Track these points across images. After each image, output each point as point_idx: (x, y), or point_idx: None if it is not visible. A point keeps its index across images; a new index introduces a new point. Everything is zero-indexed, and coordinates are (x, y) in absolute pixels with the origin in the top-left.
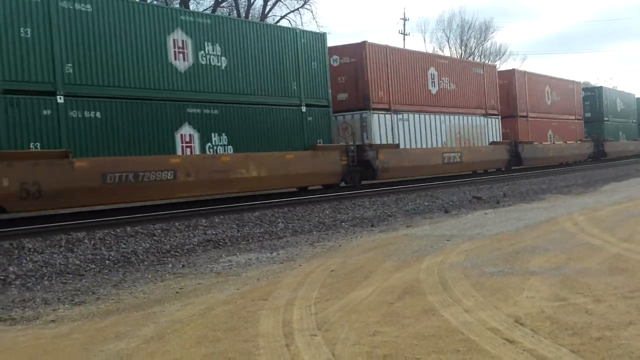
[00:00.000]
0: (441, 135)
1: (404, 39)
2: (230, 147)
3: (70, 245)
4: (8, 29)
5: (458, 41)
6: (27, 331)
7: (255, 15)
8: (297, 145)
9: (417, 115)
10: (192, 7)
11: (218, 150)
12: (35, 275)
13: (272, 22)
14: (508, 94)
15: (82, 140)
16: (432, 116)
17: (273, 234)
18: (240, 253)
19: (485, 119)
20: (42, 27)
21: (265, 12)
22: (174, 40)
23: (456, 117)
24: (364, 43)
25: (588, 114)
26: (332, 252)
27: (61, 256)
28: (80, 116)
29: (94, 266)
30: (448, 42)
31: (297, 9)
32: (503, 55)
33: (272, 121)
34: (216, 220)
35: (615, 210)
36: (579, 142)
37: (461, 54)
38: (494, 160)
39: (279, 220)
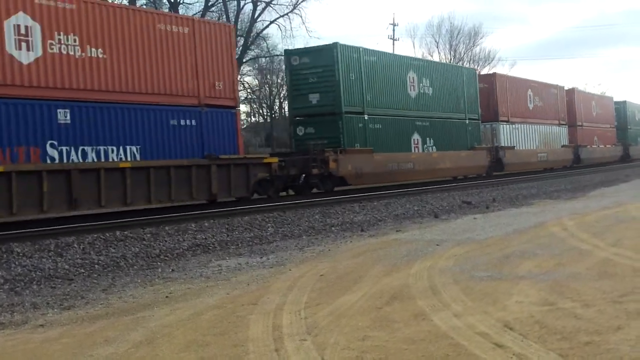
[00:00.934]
0: (535, 140)
1: (393, 44)
2: (434, 147)
3: (60, 250)
4: (345, 75)
5: (447, 46)
6: (15, 336)
7: (245, 20)
8: (464, 147)
9: (521, 125)
10: (181, 11)
11: (429, 150)
12: (24, 280)
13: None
14: (570, 108)
15: (375, 142)
16: (530, 126)
17: (263, 238)
18: (229, 257)
19: (559, 127)
20: (357, 72)
21: (255, 17)
22: (409, 77)
23: (543, 126)
24: (494, 74)
25: (616, 123)
26: (321, 256)
27: (50, 260)
28: (373, 127)
29: (83, 271)
30: (437, 47)
31: (287, 13)
32: (492, 60)
33: (452, 129)
34: (206, 224)
35: (604, 215)
36: (613, 146)
37: (450, 59)
38: (564, 160)
39: (269, 224)
